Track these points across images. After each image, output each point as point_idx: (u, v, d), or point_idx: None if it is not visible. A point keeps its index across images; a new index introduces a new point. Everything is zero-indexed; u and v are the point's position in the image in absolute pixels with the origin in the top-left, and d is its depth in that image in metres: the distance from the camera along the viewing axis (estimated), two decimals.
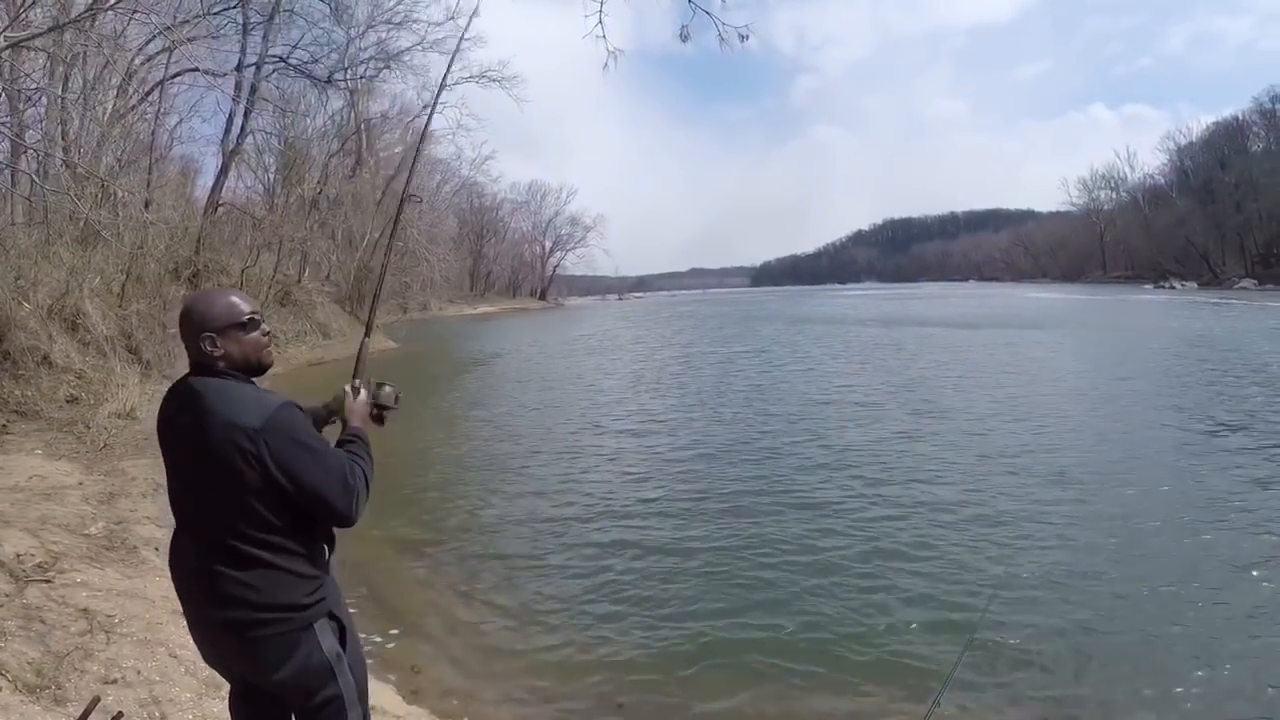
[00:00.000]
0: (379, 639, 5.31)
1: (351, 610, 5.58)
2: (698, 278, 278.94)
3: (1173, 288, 65.17)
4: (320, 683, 2.20)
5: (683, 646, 5.16)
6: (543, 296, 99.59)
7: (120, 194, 15.67)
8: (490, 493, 8.94)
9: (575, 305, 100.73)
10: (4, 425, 7.61)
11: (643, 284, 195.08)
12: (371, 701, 4.21)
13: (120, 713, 3.14)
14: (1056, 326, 30.52)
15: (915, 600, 5.68)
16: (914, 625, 5.30)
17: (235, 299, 2.28)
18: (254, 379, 2.27)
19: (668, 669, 4.89)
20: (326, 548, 2.31)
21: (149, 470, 7.62)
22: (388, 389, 2.63)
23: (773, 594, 5.88)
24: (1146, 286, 68.93)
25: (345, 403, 2.53)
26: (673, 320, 49.61)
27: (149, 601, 4.60)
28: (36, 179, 13.14)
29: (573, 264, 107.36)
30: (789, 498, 8.14)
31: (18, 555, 4.71)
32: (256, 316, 2.27)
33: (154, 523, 6.03)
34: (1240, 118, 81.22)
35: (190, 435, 2.12)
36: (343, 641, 2.26)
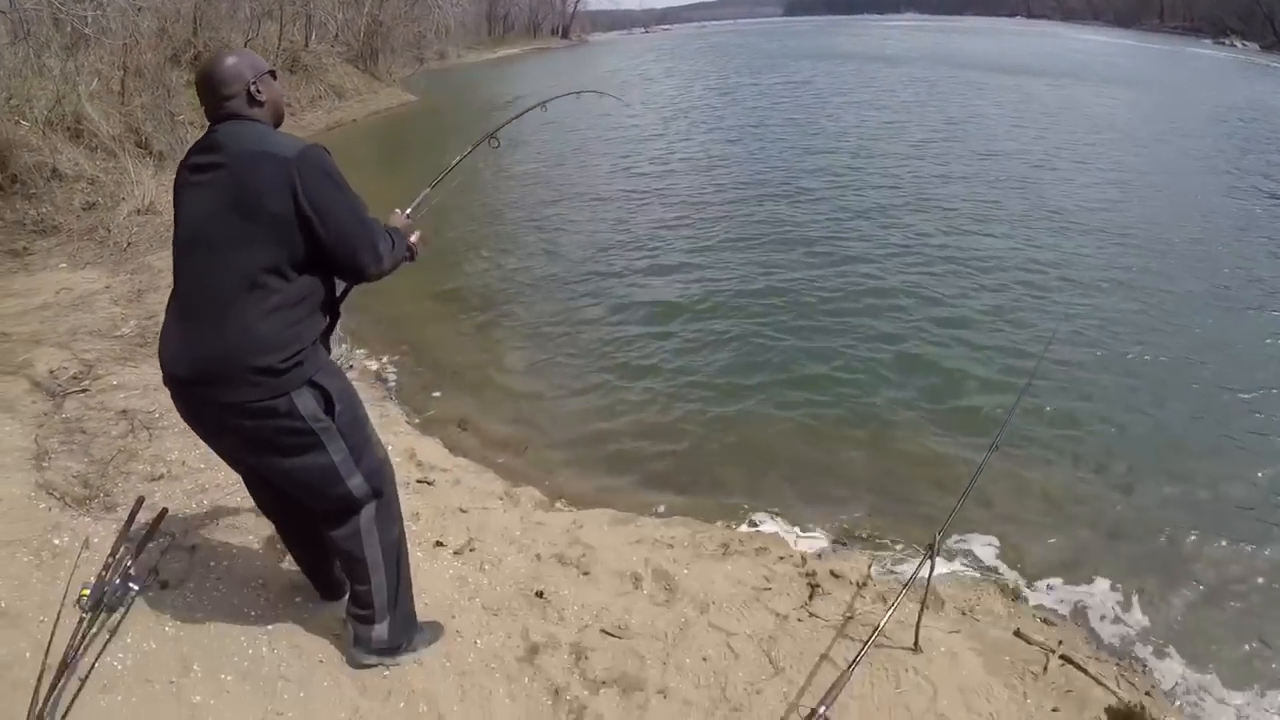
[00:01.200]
0: (423, 397, 5.38)
1: (392, 370, 5.78)
2: (728, 7, 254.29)
3: (1234, 45, 58.56)
4: (302, 448, 2.16)
5: (735, 404, 5.11)
6: (565, 35, 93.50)
7: None
8: (529, 247, 8.75)
9: (599, 41, 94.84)
10: (25, 247, 7.48)
11: (670, 15, 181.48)
12: (417, 457, 4.33)
13: (164, 509, 3.16)
14: (1123, 80, 26.18)
15: (970, 347, 5.68)
16: (969, 375, 5.31)
17: (253, 52, 2.31)
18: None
19: (721, 426, 4.86)
20: (327, 318, 2.24)
21: None
22: (419, 232, 2.55)
23: (825, 344, 5.82)
24: (1206, 41, 61.67)
25: (392, 218, 2.49)
26: (701, 54, 45.66)
27: None
28: None
29: None
30: (833, 246, 7.87)
31: (51, 371, 4.70)
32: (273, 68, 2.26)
33: None
34: None
35: (218, 169, 2.05)
36: (330, 410, 2.17)
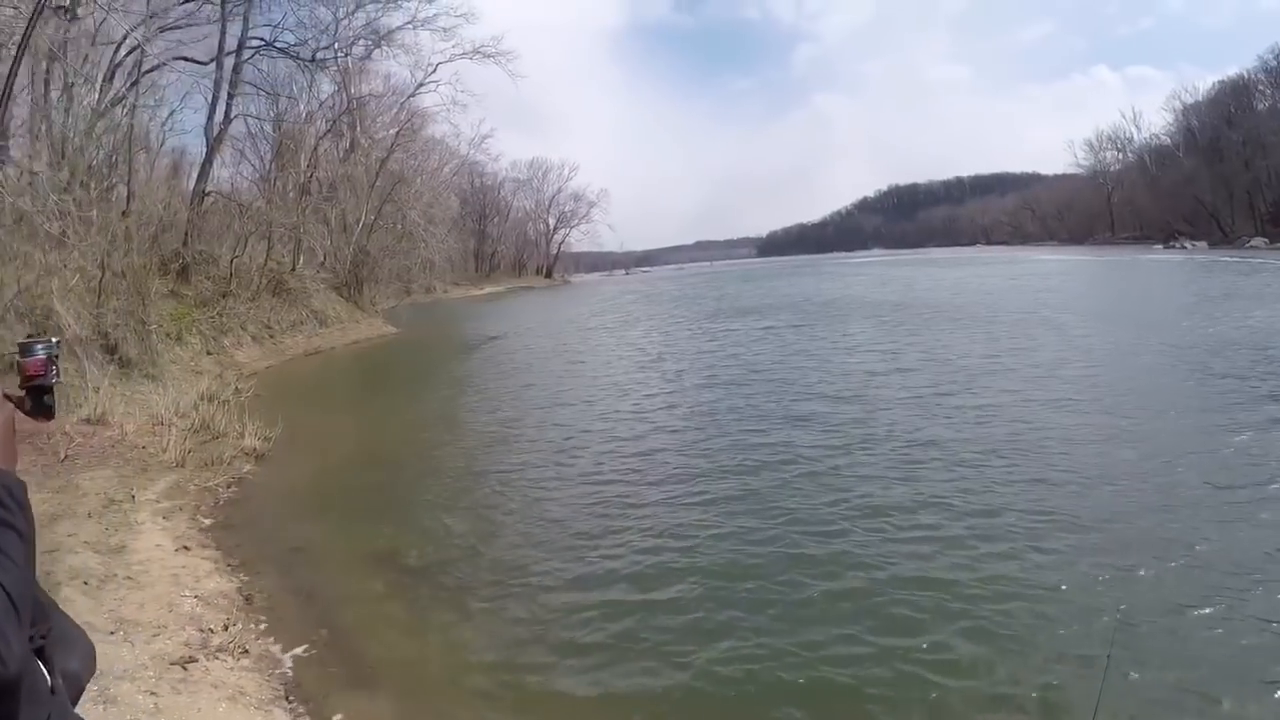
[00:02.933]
0: (323, 704, 4.42)
1: (292, 661, 4.91)
2: (704, 250, 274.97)
3: (1183, 247, 63.41)
4: None
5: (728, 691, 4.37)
6: (548, 274, 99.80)
7: (96, 193, 15.52)
8: (492, 503, 7.94)
9: (581, 281, 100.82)
10: None
11: (649, 258, 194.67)
12: None
13: None
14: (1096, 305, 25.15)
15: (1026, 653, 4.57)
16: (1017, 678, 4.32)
17: None
18: None
19: None
20: (37, 679, 1.32)
21: (106, 484, 7.39)
22: (39, 350, 1.64)
23: (838, 654, 4.76)
24: (1156, 247, 67.01)
25: None
26: (680, 299, 44.74)
27: None
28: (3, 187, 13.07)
29: (577, 240, 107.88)
30: (843, 535, 6.53)
31: None
32: None
33: (92, 548, 5.67)
34: (1245, 76, 78.34)
35: None
36: None
